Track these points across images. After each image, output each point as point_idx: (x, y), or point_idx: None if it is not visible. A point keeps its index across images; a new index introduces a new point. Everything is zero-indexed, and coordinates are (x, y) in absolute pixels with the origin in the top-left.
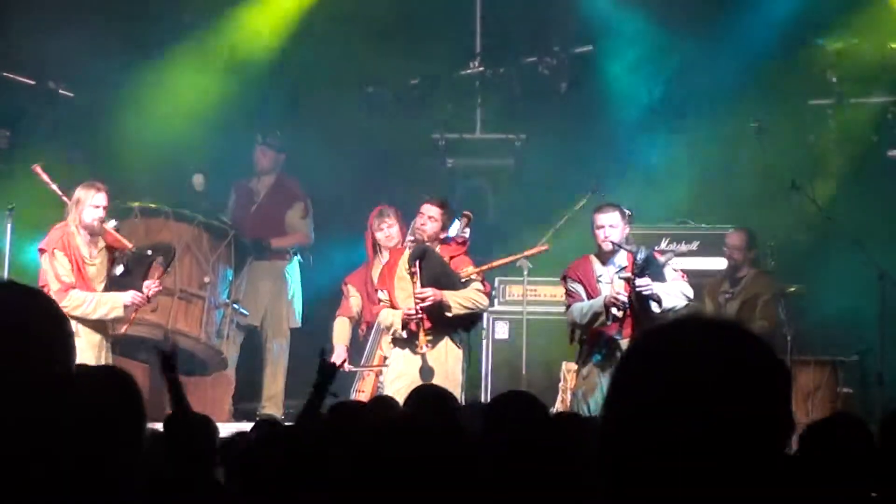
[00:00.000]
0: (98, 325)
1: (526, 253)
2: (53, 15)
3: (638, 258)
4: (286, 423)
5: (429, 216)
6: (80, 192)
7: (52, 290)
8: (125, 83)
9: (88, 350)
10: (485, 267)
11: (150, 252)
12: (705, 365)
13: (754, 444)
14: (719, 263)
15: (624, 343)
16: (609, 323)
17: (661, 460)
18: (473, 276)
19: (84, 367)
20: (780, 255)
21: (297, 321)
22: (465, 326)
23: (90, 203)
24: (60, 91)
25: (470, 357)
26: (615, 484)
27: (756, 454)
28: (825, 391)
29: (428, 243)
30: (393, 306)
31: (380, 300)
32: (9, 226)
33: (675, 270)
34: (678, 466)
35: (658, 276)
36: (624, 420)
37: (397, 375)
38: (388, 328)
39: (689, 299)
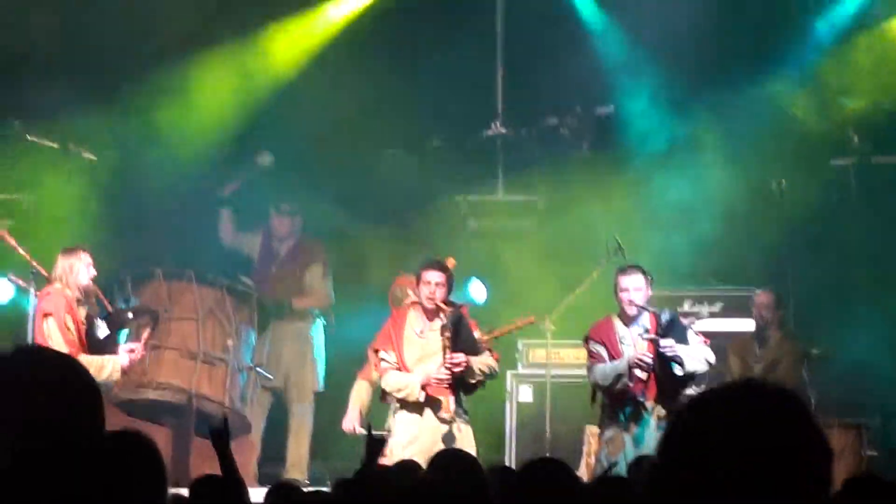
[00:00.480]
0: None
1: (518, 323)
2: (73, 78)
3: (662, 319)
4: (306, 489)
5: (436, 283)
6: (69, 258)
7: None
8: (145, 143)
9: None
10: (493, 334)
11: (130, 315)
12: (756, 437)
13: None
14: (743, 325)
15: (649, 405)
16: (632, 384)
17: None
18: (483, 345)
19: (110, 432)
20: (802, 314)
21: (320, 386)
22: (468, 392)
23: (84, 263)
24: (83, 154)
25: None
26: None
27: None
28: (850, 454)
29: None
30: (401, 368)
31: (381, 360)
32: (32, 289)
33: (697, 335)
34: None
35: (681, 339)
36: (672, 483)
37: (409, 441)
38: (399, 391)
39: (711, 364)
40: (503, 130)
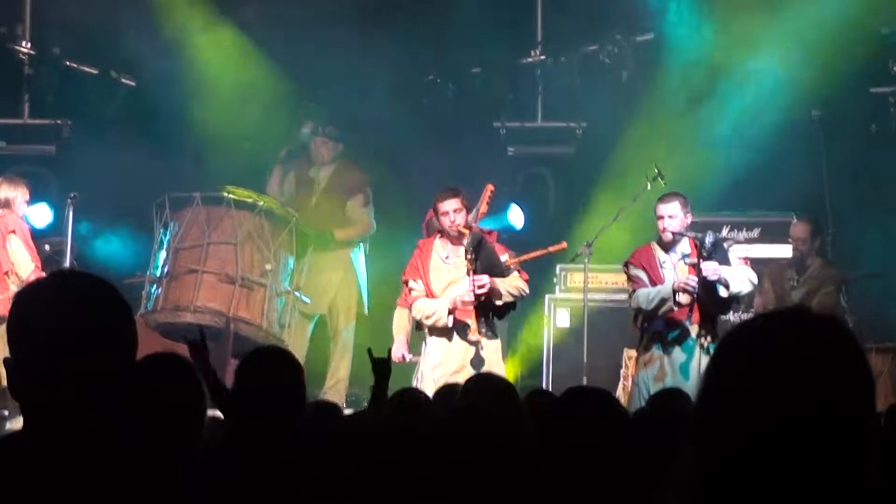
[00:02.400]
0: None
1: (550, 249)
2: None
3: (707, 242)
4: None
5: (453, 210)
6: (19, 188)
7: (31, 269)
8: (185, 69)
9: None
10: (520, 258)
11: (47, 247)
12: (800, 363)
13: (840, 448)
14: (781, 251)
15: (694, 329)
16: (676, 308)
17: (754, 459)
18: (512, 266)
19: (149, 355)
20: (841, 243)
21: (365, 309)
22: (501, 315)
23: (24, 199)
24: (122, 80)
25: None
26: (706, 481)
27: (840, 460)
28: (887, 378)
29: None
30: (429, 295)
31: (411, 290)
32: (70, 214)
33: (739, 257)
34: (770, 468)
35: (724, 262)
36: (718, 414)
37: (437, 364)
38: (427, 318)
39: (754, 285)
40: (542, 57)
